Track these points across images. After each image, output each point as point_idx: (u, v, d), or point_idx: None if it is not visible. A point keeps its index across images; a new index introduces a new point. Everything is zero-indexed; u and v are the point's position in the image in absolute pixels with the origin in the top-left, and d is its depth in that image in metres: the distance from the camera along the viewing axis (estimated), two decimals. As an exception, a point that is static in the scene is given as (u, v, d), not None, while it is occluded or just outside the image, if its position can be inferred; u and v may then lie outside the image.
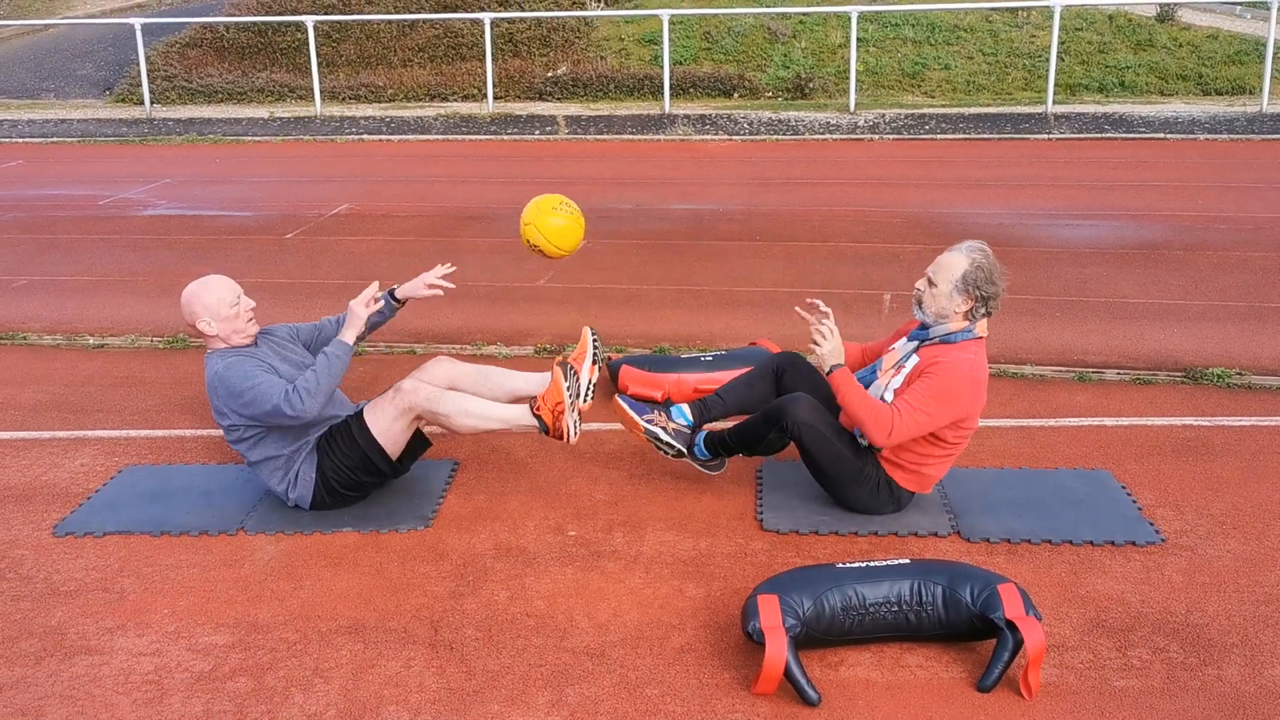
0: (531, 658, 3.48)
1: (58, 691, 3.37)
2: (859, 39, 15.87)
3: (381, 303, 4.47)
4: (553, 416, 4.20)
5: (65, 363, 6.33)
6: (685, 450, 4.44)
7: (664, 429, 4.43)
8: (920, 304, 4.16)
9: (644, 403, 4.55)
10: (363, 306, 4.32)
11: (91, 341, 6.69)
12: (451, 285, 4.62)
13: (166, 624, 3.71)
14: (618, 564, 4.02)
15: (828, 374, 4.10)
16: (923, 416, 3.97)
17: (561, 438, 4.23)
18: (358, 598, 3.83)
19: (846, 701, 3.24)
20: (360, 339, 4.39)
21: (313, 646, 3.56)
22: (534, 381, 4.58)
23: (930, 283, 4.11)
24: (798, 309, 4.34)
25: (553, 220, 4.49)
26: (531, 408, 4.26)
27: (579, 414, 4.26)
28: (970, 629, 3.37)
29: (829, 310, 4.24)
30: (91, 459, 5.02)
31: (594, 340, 4.56)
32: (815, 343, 4.10)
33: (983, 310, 4.08)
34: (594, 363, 4.51)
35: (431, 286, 4.58)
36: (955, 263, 4.07)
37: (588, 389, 4.45)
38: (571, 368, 4.32)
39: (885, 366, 4.25)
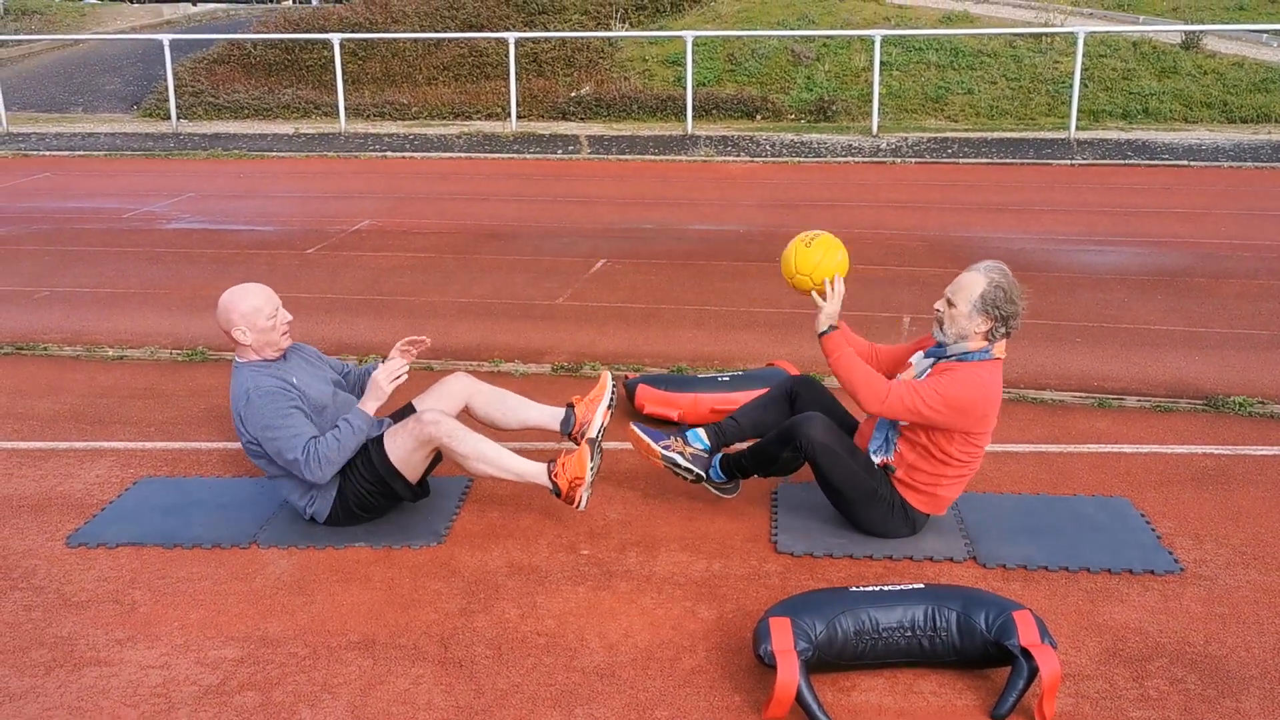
0: (541, 677, 3.45)
1: (66, 703, 3.37)
2: (882, 62, 15.85)
3: (404, 376, 4.27)
4: (569, 486, 4.19)
5: (84, 374, 6.36)
6: (703, 474, 4.42)
7: (681, 454, 4.42)
8: (940, 325, 4.13)
9: (658, 429, 4.53)
10: (388, 382, 4.23)
11: (111, 353, 6.72)
12: (415, 351, 4.53)
13: (176, 636, 3.70)
14: (630, 584, 3.99)
15: (821, 335, 4.11)
16: (920, 401, 3.94)
17: (572, 504, 4.22)
18: (368, 613, 3.82)
19: (858, 727, 3.20)
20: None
21: (322, 662, 3.55)
22: (548, 415, 4.56)
23: (949, 303, 4.08)
24: (813, 294, 4.32)
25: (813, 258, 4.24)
26: (549, 472, 4.23)
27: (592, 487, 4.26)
28: (984, 656, 3.33)
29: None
30: (107, 470, 5.03)
31: (612, 386, 4.56)
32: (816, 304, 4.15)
33: (1002, 330, 4.05)
34: (609, 407, 4.51)
35: (403, 350, 4.51)
36: (974, 282, 4.04)
37: (599, 431, 4.46)
38: (599, 445, 4.32)
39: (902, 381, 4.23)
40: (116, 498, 4.73)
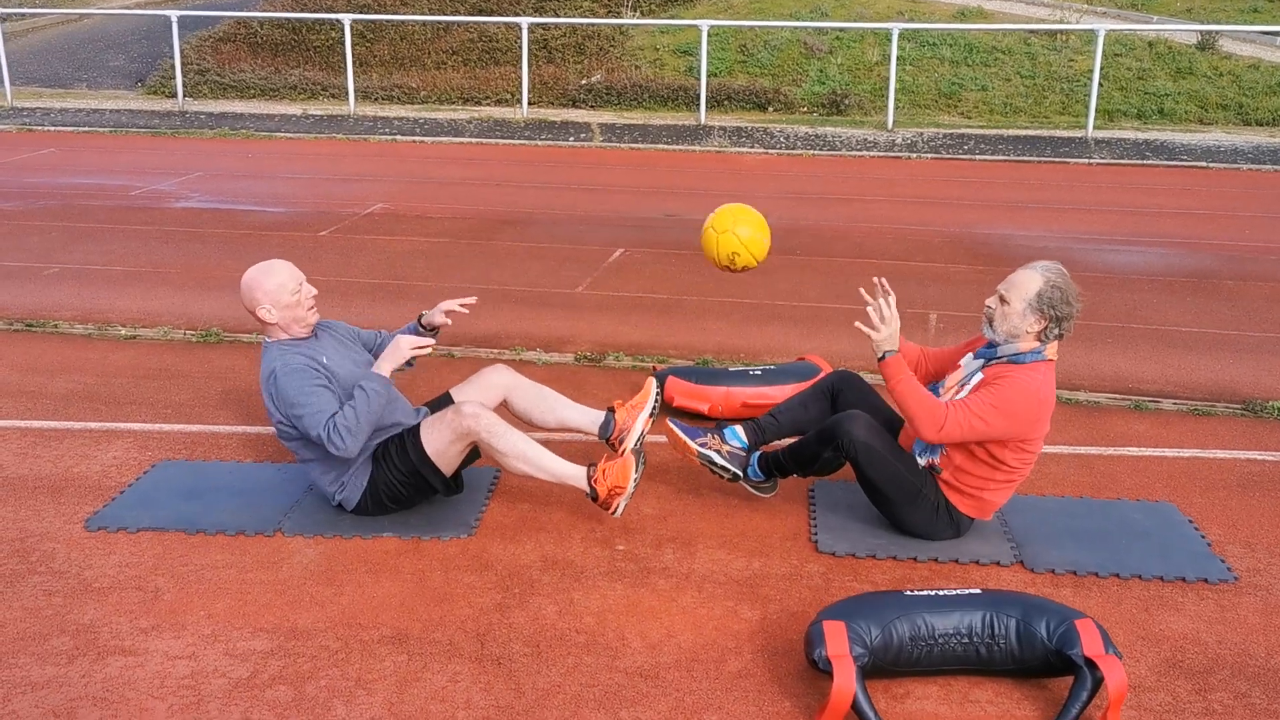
0: (583, 677, 3.34)
1: (90, 693, 3.25)
2: (896, 57, 15.72)
3: (428, 350, 4.19)
4: (608, 494, 4.06)
5: (97, 353, 6.22)
6: (740, 473, 4.31)
7: (718, 452, 4.30)
8: (990, 322, 4.01)
9: (695, 425, 4.41)
10: (409, 346, 4.12)
11: (123, 332, 6.59)
12: (466, 311, 4.46)
13: (203, 626, 3.58)
14: (669, 582, 3.88)
15: (880, 360, 3.95)
16: (978, 421, 3.82)
17: (608, 510, 4.10)
18: (400, 606, 3.70)
19: (914, 737, 3.09)
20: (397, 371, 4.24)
21: (355, 656, 3.43)
22: (587, 417, 4.43)
23: (1002, 300, 3.96)
24: (861, 290, 4.19)
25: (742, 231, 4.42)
26: (589, 476, 4.10)
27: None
28: (1045, 665, 3.22)
29: (891, 291, 4.08)
30: (124, 452, 4.90)
31: (656, 394, 4.43)
32: (873, 326, 3.95)
33: (1056, 331, 3.93)
34: (650, 415, 4.38)
35: (449, 313, 4.43)
36: (1030, 281, 3.91)
37: (639, 438, 4.33)
38: (644, 456, 4.20)
39: (949, 384, 4.11)
40: (135, 481, 4.60)
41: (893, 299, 4.03)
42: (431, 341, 4.20)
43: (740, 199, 10.76)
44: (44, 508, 4.38)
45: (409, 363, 4.25)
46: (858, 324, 4.00)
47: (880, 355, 3.95)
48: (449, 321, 4.47)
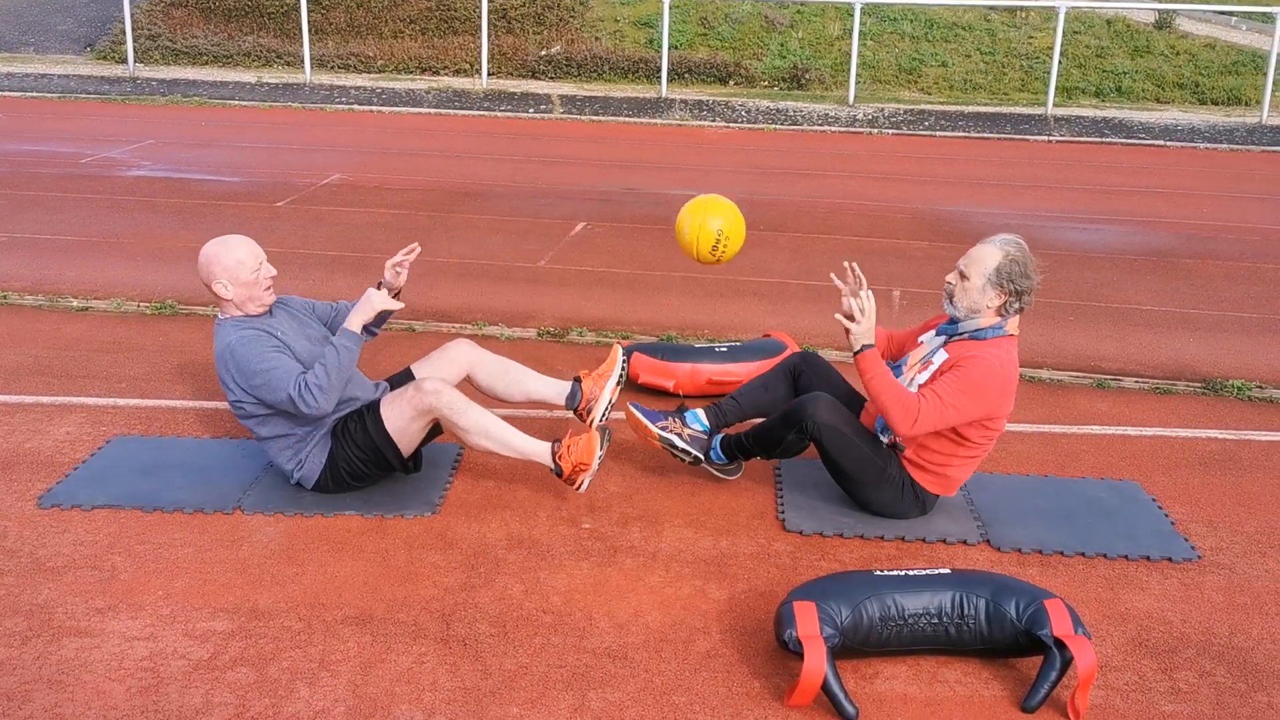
0: (550, 658, 3.30)
1: (45, 676, 3.16)
2: (858, 32, 15.69)
3: (399, 306, 4.13)
4: (573, 469, 4.02)
5: (48, 325, 6.08)
6: (702, 456, 4.27)
7: (679, 435, 4.26)
8: (951, 298, 3.98)
9: (656, 410, 4.36)
10: (380, 300, 4.04)
11: (75, 304, 6.44)
12: (411, 258, 4.26)
13: (161, 606, 3.50)
14: (636, 560, 3.84)
15: (855, 353, 3.91)
16: (950, 410, 3.81)
17: (572, 485, 4.06)
18: (364, 586, 3.64)
19: (883, 717, 3.08)
20: (368, 331, 4.15)
21: (318, 637, 3.37)
22: (553, 389, 4.37)
23: (962, 275, 3.93)
24: (832, 275, 4.16)
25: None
26: (554, 452, 4.05)
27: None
28: (1014, 645, 3.22)
29: (863, 278, 4.05)
30: (77, 427, 4.79)
31: (623, 362, 4.38)
32: (851, 318, 3.91)
33: (1016, 305, 3.91)
34: (618, 384, 4.33)
35: (396, 265, 4.25)
36: (988, 255, 3.89)
37: (606, 407, 4.29)
38: (609, 432, 4.15)
39: (911, 362, 4.09)
40: (89, 457, 4.50)
41: (865, 288, 3.99)
42: (398, 304, 4.13)
43: (703, 173, 10.74)
44: (-6, 484, 4.27)
45: (372, 331, 4.18)
46: (837, 316, 3.95)
47: (857, 349, 3.91)
48: (402, 274, 4.27)
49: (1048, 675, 3.10)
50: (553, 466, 4.04)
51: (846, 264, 4.11)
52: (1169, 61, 16.62)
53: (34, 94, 14.79)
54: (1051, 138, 13.22)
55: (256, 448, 4.52)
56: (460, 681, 3.19)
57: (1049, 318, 6.59)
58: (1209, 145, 12.94)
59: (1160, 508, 4.29)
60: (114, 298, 6.55)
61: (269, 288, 4.06)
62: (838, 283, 4.08)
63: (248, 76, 16.23)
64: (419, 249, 4.28)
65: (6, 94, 14.77)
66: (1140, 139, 13.20)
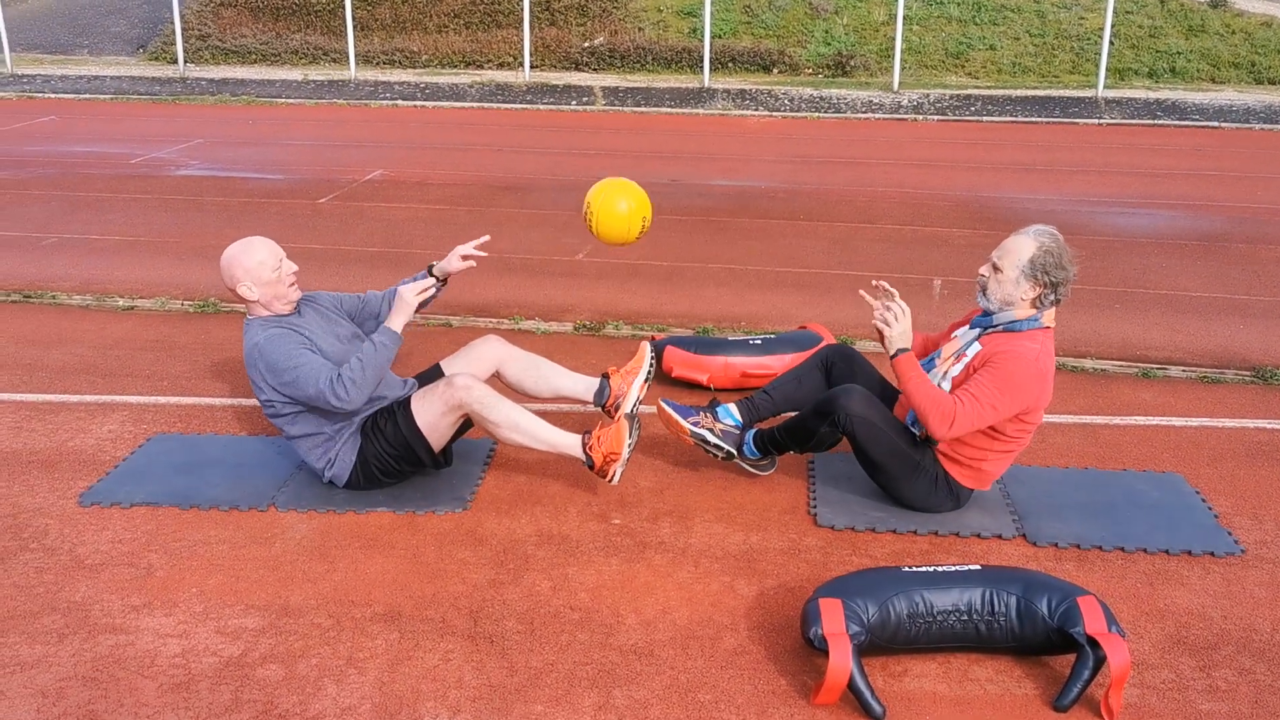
0: (576, 655, 3.29)
1: (80, 673, 3.21)
2: (903, 16, 15.51)
3: (432, 290, 4.16)
4: (604, 460, 4.00)
5: (94, 324, 6.17)
6: (735, 451, 4.24)
7: (711, 430, 4.23)
8: (985, 291, 3.92)
9: (688, 405, 4.34)
10: (414, 294, 4.05)
11: (121, 303, 6.53)
12: (484, 254, 4.35)
13: (194, 604, 3.54)
14: (665, 557, 3.83)
15: (892, 357, 3.87)
16: (987, 409, 3.75)
17: (605, 478, 4.04)
18: (393, 583, 3.66)
19: (912, 715, 3.04)
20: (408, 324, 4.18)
21: (346, 634, 3.39)
22: (582, 385, 4.37)
23: (995, 268, 3.87)
24: (862, 293, 4.13)
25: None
26: (584, 444, 4.04)
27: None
28: (1046, 643, 3.16)
29: (894, 290, 4.02)
30: (119, 425, 4.86)
31: (651, 359, 4.37)
32: (885, 323, 3.88)
33: (1051, 298, 3.84)
34: (645, 380, 4.32)
35: (466, 258, 4.30)
36: (1022, 247, 3.82)
37: (635, 403, 4.28)
38: (639, 421, 4.13)
39: (945, 354, 4.03)
40: (130, 455, 4.56)
41: (897, 297, 3.96)
42: (434, 284, 4.14)
43: (745, 163, 10.68)
44: (37, 483, 4.34)
45: (428, 297, 4.20)
46: (874, 322, 3.92)
47: (894, 353, 3.87)
48: (473, 264, 4.31)
49: (1080, 674, 3.04)
50: (584, 458, 4.04)
51: (875, 282, 4.08)
52: (1224, 40, 16.26)
53: (87, 95, 15.03)
54: (1102, 120, 12.99)
55: (290, 445, 4.56)
56: (486, 679, 3.19)
57: (1093, 305, 6.48)
58: (1265, 126, 12.64)
59: (1204, 500, 4.19)
60: (159, 296, 6.64)
61: (293, 284, 4.09)
62: (869, 299, 4.04)
63: (294, 74, 16.38)
64: (488, 239, 4.32)
65: (61, 96, 15.03)
66: (1194, 120, 12.93)
